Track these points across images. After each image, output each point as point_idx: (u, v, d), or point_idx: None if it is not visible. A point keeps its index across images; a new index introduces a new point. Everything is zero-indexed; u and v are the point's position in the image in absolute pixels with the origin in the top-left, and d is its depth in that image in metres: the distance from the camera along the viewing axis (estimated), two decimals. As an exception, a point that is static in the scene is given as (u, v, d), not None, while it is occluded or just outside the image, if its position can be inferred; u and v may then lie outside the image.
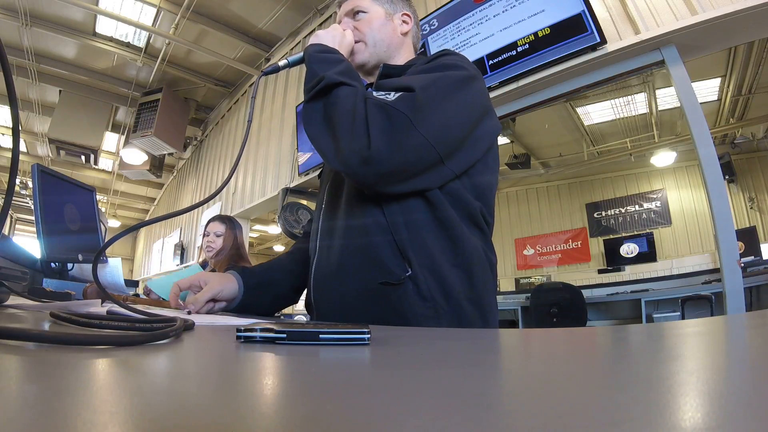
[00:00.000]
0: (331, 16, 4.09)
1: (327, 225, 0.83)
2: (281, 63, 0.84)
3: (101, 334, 0.35)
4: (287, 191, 3.75)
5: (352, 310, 0.73)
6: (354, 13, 0.91)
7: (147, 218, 10.28)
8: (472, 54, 2.60)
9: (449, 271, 0.71)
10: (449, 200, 0.73)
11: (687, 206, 6.05)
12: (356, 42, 0.89)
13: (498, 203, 0.70)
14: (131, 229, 0.60)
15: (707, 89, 4.69)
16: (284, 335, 0.35)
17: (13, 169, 0.38)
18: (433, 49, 2.83)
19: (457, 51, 0.85)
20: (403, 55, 0.92)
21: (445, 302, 0.70)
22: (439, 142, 0.67)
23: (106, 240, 1.59)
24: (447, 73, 0.72)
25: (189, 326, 0.45)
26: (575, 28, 2.20)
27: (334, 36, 0.84)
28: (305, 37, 4.41)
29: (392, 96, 0.66)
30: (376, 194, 0.72)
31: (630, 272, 6.05)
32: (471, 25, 2.63)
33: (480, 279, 0.73)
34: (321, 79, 0.71)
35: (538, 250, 7.13)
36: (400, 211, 0.72)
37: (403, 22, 0.93)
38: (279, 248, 12.36)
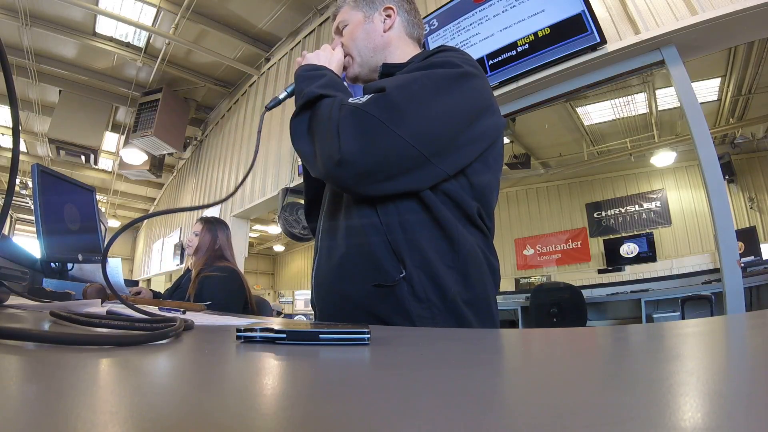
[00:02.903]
0: (330, 17, 4.10)
1: (328, 225, 0.83)
2: (281, 96, 0.86)
3: (101, 334, 0.35)
4: (287, 191, 3.75)
5: (352, 310, 0.73)
6: (340, 30, 0.93)
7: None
8: (472, 54, 2.59)
9: (444, 272, 0.70)
10: (445, 200, 0.72)
11: (687, 206, 6.06)
12: (346, 56, 0.90)
13: (498, 203, 0.70)
14: (133, 222, 0.59)
15: (707, 89, 4.70)
16: (284, 335, 0.35)
17: (13, 169, 0.38)
18: (433, 49, 2.83)
19: (456, 47, 0.84)
20: (396, 52, 0.90)
21: (441, 303, 0.69)
22: (422, 141, 0.65)
23: (106, 240, 1.59)
24: (433, 71, 0.70)
25: (189, 326, 0.45)
26: (575, 28, 2.20)
27: (324, 55, 0.86)
28: (305, 37, 4.41)
29: (363, 98, 0.67)
30: (370, 197, 0.72)
31: (630, 272, 6.05)
32: (471, 25, 2.63)
33: (477, 280, 0.72)
34: (302, 94, 0.74)
35: (538, 250, 7.13)
36: (395, 211, 0.72)
37: (386, 17, 0.90)
38: (279, 248, 12.38)
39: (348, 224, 0.76)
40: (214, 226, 2.13)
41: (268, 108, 0.85)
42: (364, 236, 0.73)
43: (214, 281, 1.88)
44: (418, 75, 0.69)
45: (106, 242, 1.53)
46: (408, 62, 0.85)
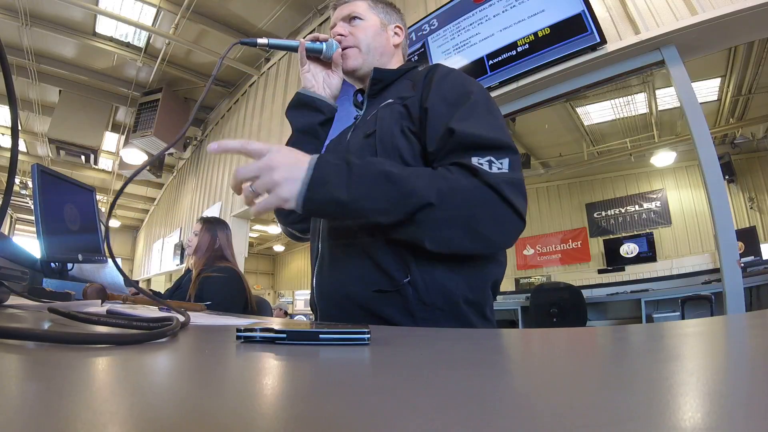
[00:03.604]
0: (329, 17, 4.10)
1: (330, 226, 0.82)
2: (261, 41, 0.85)
3: (100, 333, 0.35)
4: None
5: (356, 312, 0.73)
6: (350, 18, 0.93)
7: (147, 219, 10.29)
8: (472, 54, 2.60)
9: (449, 276, 0.70)
10: None
11: (687, 206, 6.06)
12: (350, 47, 0.90)
13: (524, 187, 0.73)
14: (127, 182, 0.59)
15: (707, 89, 4.70)
16: (284, 335, 0.35)
17: (12, 169, 0.38)
18: (433, 49, 2.83)
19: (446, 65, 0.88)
20: (393, 65, 0.94)
21: (446, 306, 0.70)
22: None
23: (105, 240, 1.58)
24: (490, 109, 0.74)
25: (184, 323, 0.45)
26: (575, 28, 2.20)
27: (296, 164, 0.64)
28: (305, 37, 4.40)
29: (502, 164, 0.66)
30: None
31: (630, 272, 6.05)
32: (471, 25, 2.63)
33: (480, 283, 0.74)
34: (425, 205, 0.62)
35: (538, 250, 7.13)
36: None
37: (395, 33, 0.96)
38: (279, 248, 12.37)
39: (352, 226, 0.76)
40: (214, 225, 2.13)
41: (242, 42, 0.86)
42: (369, 238, 0.73)
43: (214, 282, 1.88)
44: (495, 117, 0.72)
45: (105, 244, 1.53)
46: (399, 70, 0.90)
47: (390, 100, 0.83)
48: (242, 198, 0.66)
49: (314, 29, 4.29)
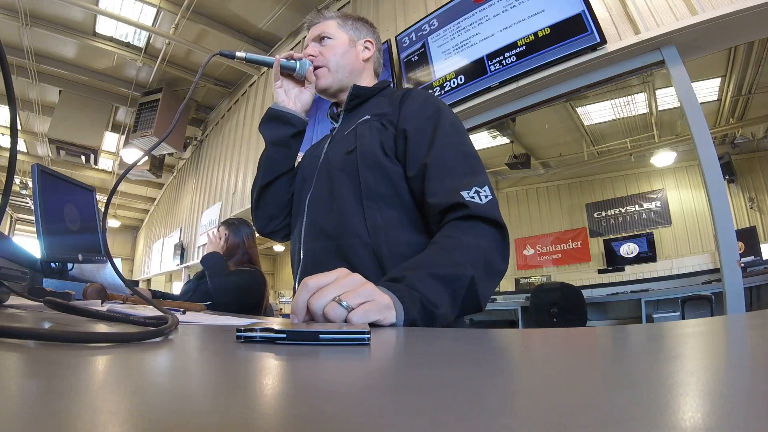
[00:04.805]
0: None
1: (307, 230, 0.86)
2: (239, 54, 0.91)
3: (99, 332, 0.35)
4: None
5: None
6: (320, 39, 0.97)
7: (147, 219, 10.29)
8: (472, 54, 2.60)
9: None
10: (424, 219, 0.80)
11: (687, 206, 6.06)
12: (320, 67, 0.94)
13: (498, 203, 0.78)
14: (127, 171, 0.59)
15: (707, 89, 4.70)
16: (284, 335, 0.35)
17: (11, 169, 0.38)
18: (433, 49, 2.83)
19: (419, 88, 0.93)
20: (365, 80, 0.98)
21: None
22: None
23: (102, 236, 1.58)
24: (460, 129, 0.82)
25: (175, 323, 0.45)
26: (575, 28, 2.20)
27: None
28: (305, 37, 4.40)
29: (486, 191, 0.72)
30: (361, 209, 0.80)
31: (630, 272, 6.05)
32: (471, 25, 2.63)
33: None
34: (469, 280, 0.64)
35: (538, 250, 7.13)
36: (383, 225, 0.78)
37: (365, 48, 0.99)
38: (279, 248, 12.37)
39: (332, 232, 0.81)
40: (239, 227, 2.16)
41: (221, 54, 0.92)
42: (344, 241, 0.79)
43: (248, 284, 1.93)
44: (458, 150, 0.78)
45: (103, 243, 1.52)
46: (375, 88, 0.95)
47: (367, 117, 0.87)
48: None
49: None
